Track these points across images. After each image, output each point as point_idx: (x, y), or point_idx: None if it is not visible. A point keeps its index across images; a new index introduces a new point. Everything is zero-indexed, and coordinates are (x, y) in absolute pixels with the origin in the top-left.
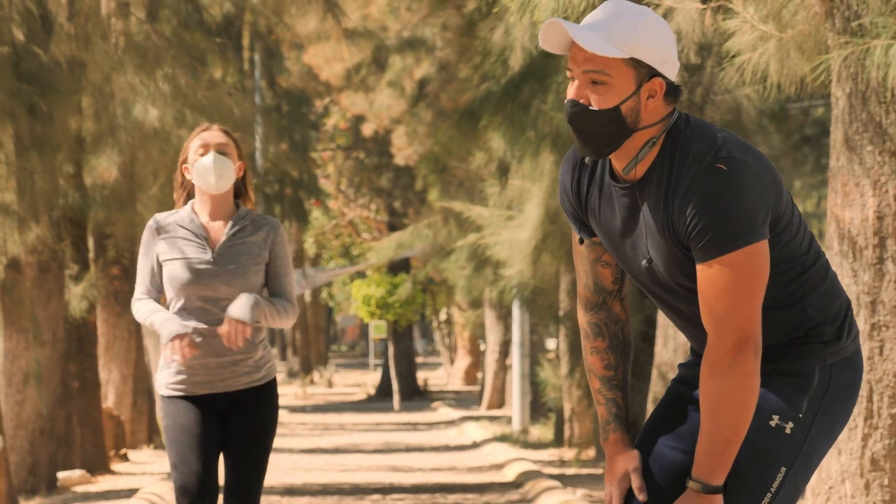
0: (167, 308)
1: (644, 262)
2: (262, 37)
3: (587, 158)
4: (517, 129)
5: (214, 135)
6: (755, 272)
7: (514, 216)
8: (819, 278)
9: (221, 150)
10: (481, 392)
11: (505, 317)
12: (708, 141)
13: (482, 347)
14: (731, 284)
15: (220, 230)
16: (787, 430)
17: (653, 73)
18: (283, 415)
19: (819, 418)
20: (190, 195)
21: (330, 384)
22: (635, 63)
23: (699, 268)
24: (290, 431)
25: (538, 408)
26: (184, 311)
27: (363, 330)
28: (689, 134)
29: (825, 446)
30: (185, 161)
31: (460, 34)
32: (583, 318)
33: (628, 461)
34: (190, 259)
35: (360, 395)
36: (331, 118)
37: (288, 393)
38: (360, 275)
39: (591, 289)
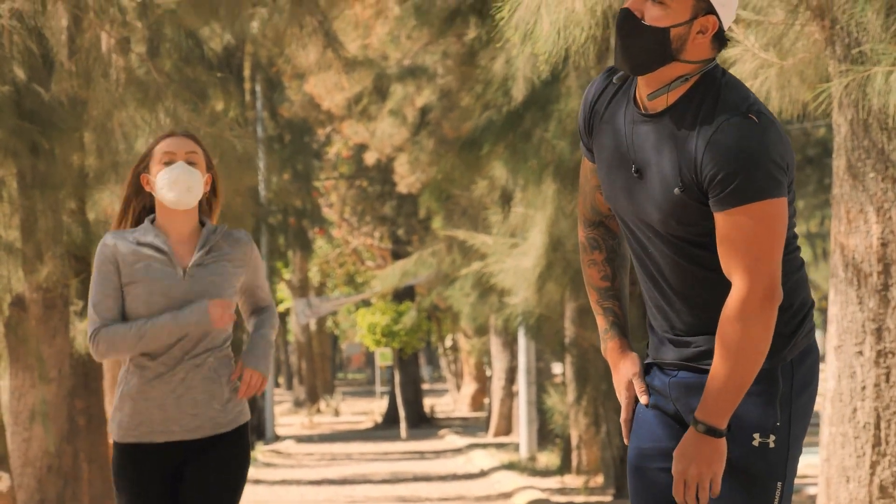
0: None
1: (636, 174)
2: (263, 68)
3: (616, 78)
4: (519, 157)
5: (182, 142)
6: (779, 225)
7: (518, 244)
8: (793, 267)
9: (190, 160)
10: (488, 418)
11: (511, 343)
12: (742, 94)
13: (488, 373)
14: (759, 233)
15: (189, 248)
16: (771, 445)
17: (711, 11)
18: (289, 445)
19: (794, 418)
20: (145, 210)
21: (336, 413)
22: None
23: (721, 216)
24: (298, 462)
25: (545, 434)
26: (140, 357)
27: (369, 357)
28: (724, 83)
29: (803, 436)
30: (143, 169)
31: (461, 62)
32: (581, 233)
33: (629, 367)
34: (158, 282)
35: (366, 423)
36: (333, 146)
37: (294, 422)
38: (365, 303)
39: (589, 209)
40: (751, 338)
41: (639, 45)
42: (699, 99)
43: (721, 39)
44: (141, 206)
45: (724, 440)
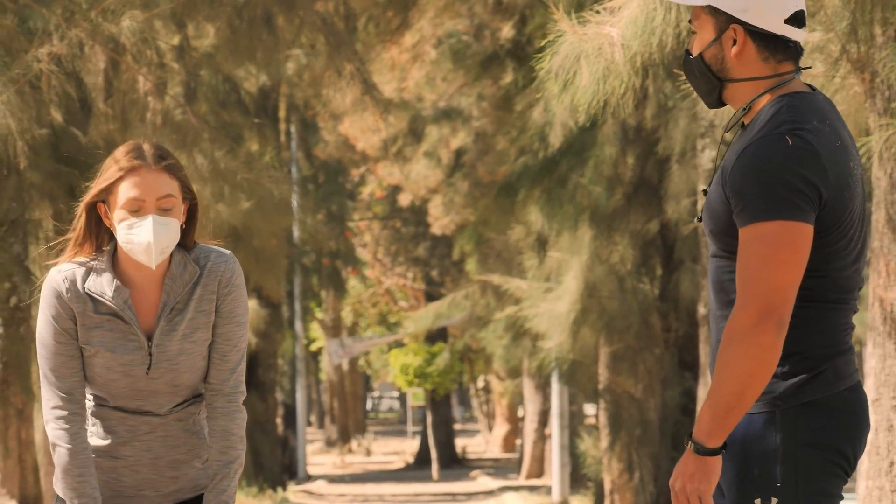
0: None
1: (696, 219)
2: (299, 109)
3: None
4: (555, 202)
5: (154, 181)
6: (788, 248)
7: (553, 288)
8: (817, 311)
9: (164, 207)
10: (520, 460)
11: (543, 386)
12: (795, 116)
13: (520, 413)
14: (760, 253)
15: (153, 302)
16: None
17: (733, 21)
18: (321, 486)
19: (803, 474)
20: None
21: (368, 452)
22: (713, 10)
23: (740, 234)
24: None
25: (578, 478)
26: (103, 408)
27: (401, 397)
28: (787, 105)
29: (832, 485)
30: (100, 197)
31: (496, 105)
32: None
33: None
34: (117, 355)
35: (398, 463)
36: (367, 187)
37: (326, 462)
38: (398, 343)
39: None
40: (738, 358)
41: (691, 78)
42: (761, 119)
43: (771, 44)
44: (106, 236)
45: (715, 460)
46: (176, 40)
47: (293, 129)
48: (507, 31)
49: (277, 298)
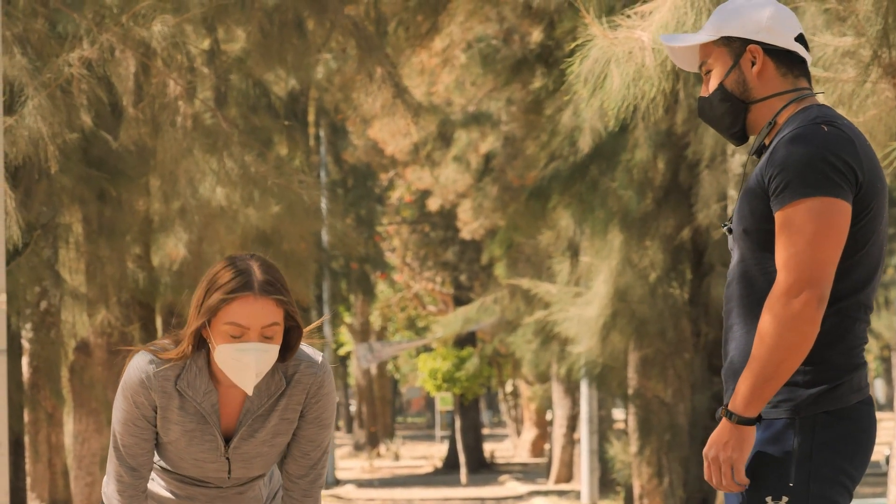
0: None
1: (724, 228)
2: (328, 113)
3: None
4: (585, 207)
5: (260, 309)
6: (829, 224)
7: (582, 292)
8: (839, 317)
9: (267, 335)
10: (549, 465)
11: (572, 390)
12: (830, 114)
13: (549, 418)
14: (802, 229)
15: (237, 405)
16: None
17: (748, 42)
18: (350, 490)
19: (815, 478)
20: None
21: (397, 457)
22: (726, 41)
23: (777, 216)
24: None
25: (607, 482)
26: (166, 471)
27: (428, 400)
28: (819, 107)
29: (840, 495)
30: (202, 311)
31: (526, 110)
32: None
33: None
34: (192, 449)
35: (427, 467)
36: (396, 191)
37: (354, 466)
38: (426, 348)
39: None
40: (778, 331)
41: (713, 116)
42: (789, 125)
43: (788, 60)
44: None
45: (749, 430)
46: (206, 45)
47: (322, 133)
48: (536, 35)
49: (306, 303)
